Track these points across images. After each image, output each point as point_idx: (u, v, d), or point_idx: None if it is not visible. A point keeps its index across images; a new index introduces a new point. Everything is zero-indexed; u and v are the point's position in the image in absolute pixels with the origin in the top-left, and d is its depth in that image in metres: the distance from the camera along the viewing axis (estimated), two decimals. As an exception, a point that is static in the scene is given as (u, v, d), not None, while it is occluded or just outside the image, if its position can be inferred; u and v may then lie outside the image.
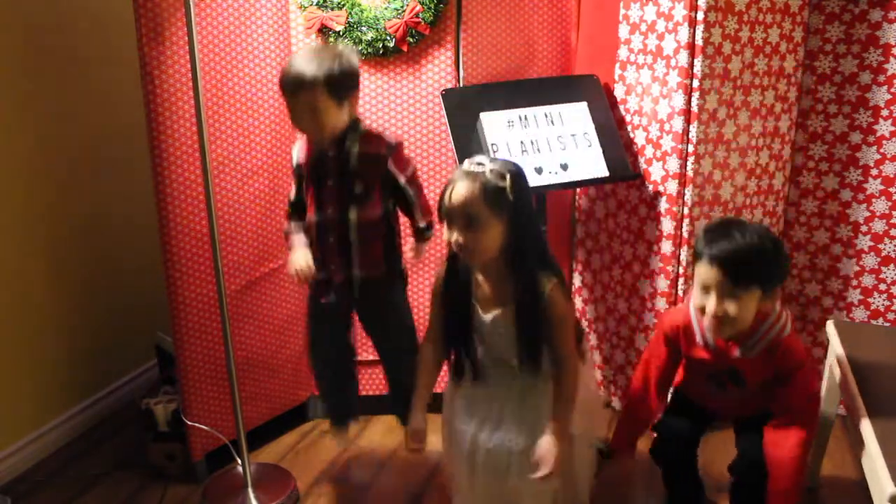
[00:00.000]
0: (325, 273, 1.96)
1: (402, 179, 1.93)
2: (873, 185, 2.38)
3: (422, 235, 2.04)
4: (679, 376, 1.95)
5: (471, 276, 1.71)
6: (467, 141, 2.19)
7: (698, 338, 1.78)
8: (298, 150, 1.98)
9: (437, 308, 1.79)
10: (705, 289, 1.65)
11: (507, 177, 1.58)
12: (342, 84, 1.81)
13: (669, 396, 1.99)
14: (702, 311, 1.68)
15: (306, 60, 1.79)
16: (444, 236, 1.65)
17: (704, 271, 1.63)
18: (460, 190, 1.58)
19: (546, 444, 1.66)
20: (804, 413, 1.74)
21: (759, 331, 1.71)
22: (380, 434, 2.40)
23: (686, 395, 1.95)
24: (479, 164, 1.60)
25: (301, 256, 1.94)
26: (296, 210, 2.02)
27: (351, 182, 1.88)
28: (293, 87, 1.79)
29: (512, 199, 1.58)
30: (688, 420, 1.91)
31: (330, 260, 1.95)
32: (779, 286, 1.69)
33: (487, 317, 1.69)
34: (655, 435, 1.97)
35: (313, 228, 1.96)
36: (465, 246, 1.60)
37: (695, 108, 2.14)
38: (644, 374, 1.92)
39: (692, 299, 1.73)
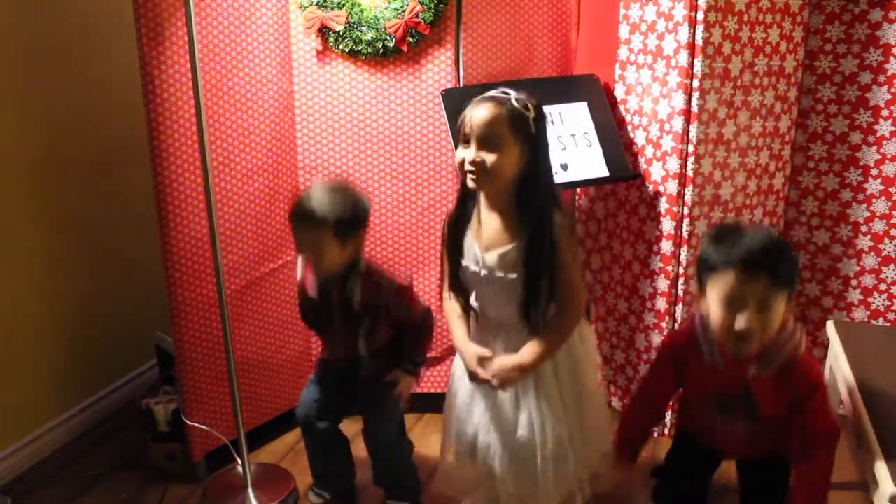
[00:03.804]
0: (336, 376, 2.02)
1: (405, 317, 1.94)
2: (873, 185, 2.38)
3: (407, 369, 1.99)
4: (680, 410, 1.87)
5: (476, 213, 1.70)
6: (467, 141, 2.19)
7: (707, 358, 1.65)
8: (304, 278, 1.97)
9: (449, 250, 1.76)
10: (733, 303, 1.50)
11: (531, 108, 1.59)
12: (349, 228, 1.82)
13: (672, 440, 1.92)
14: (727, 331, 1.53)
15: (320, 197, 1.80)
16: (458, 157, 1.62)
17: (732, 283, 1.49)
18: (485, 110, 1.57)
19: (508, 359, 1.66)
20: (826, 441, 1.60)
21: (776, 343, 1.57)
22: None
23: (690, 433, 1.83)
24: (504, 92, 1.60)
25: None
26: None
27: (357, 322, 1.90)
28: (300, 221, 1.82)
29: (534, 130, 1.59)
30: (691, 469, 1.80)
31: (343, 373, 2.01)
32: (796, 289, 1.58)
33: (491, 255, 1.65)
34: (655, 482, 1.90)
35: (324, 364, 2.04)
36: (482, 164, 1.57)
37: (695, 108, 2.14)
38: (643, 398, 1.83)
39: (713, 318, 1.57)
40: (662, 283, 2.31)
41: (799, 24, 2.31)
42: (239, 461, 2.14)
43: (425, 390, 2.54)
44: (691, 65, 2.11)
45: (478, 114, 1.57)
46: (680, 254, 2.25)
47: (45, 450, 2.42)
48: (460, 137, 1.61)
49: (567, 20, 2.51)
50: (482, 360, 1.70)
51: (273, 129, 2.26)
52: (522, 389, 1.73)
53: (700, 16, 2.07)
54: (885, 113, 2.32)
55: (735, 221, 1.62)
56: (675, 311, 2.31)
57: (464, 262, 1.72)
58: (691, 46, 2.10)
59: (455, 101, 2.23)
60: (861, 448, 1.71)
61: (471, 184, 1.62)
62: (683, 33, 2.10)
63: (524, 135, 1.58)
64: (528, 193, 1.62)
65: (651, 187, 2.30)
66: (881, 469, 1.57)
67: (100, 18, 2.52)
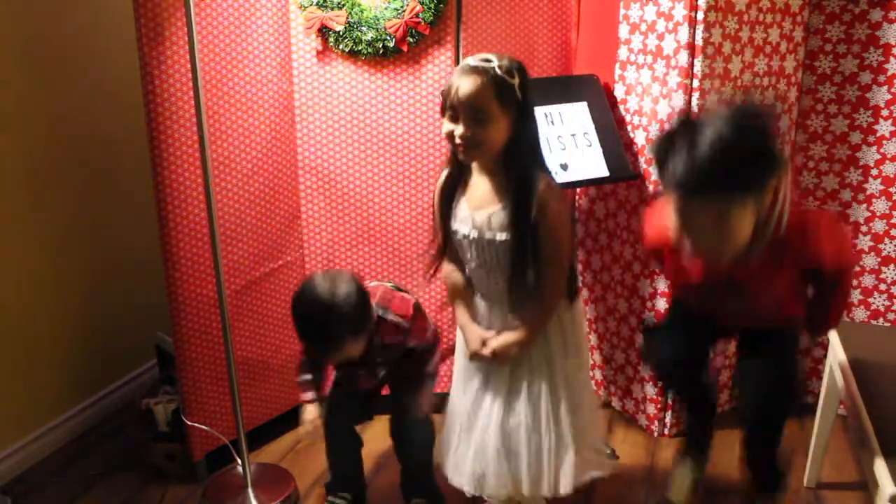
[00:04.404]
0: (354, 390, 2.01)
1: (413, 345, 1.92)
2: (873, 185, 2.38)
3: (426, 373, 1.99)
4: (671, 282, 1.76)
5: (467, 176, 1.70)
6: (467, 141, 2.19)
7: (685, 256, 1.51)
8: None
9: (441, 217, 1.76)
10: (685, 221, 1.37)
11: (515, 74, 1.58)
12: (365, 322, 1.78)
13: (666, 309, 1.81)
14: (687, 243, 1.42)
15: (323, 322, 1.72)
16: (445, 130, 1.62)
17: (678, 205, 1.35)
18: (469, 84, 1.55)
19: (505, 336, 1.71)
20: (844, 275, 1.53)
21: (756, 233, 1.41)
22: (380, 434, 2.39)
23: (684, 304, 1.73)
24: (487, 60, 1.58)
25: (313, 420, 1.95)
26: (313, 386, 1.98)
27: (378, 366, 1.92)
28: (321, 351, 1.79)
29: (520, 96, 1.58)
30: (689, 339, 1.70)
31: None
32: (774, 179, 1.34)
33: (481, 215, 1.66)
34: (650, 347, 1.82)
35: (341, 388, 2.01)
36: (471, 139, 1.58)
37: (695, 108, 2.14)
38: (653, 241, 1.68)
39: (673, 229, 1.42)
40: (662, 284, 2.31)
41: (799, 24, 2.31)
42: (239, 461, 2.14)
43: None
44: (691, 65, 2.11)
45: (463, 88, 1.56)
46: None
47: (45, 450, 2.42)
48: (447, 109, 1.60)
49: (567, 20, 2.51)
50: (484, 340, 1.74)
51: (273, 129, 2.26)
52: (516, 374, 1.77)
53: (700, 16, 2.07)
54: (885, 113, 2.32)
55: (686, 124, 1.33)
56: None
57: (455, 226, 1.72)
58: (691, 46, 2.10)
59: (455, 101, 2.23)
60: (861, 448, 1.71)
61: (461, 156, 1.64)
62: (683, 33, 2.10)
63: (510, 103, 1.58)
64: (515, 157, 1.63)
65: (651, 187, 2.30)
66: (881, 469, 1.56)
67: (100, 18, 2.52)
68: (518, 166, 1.63)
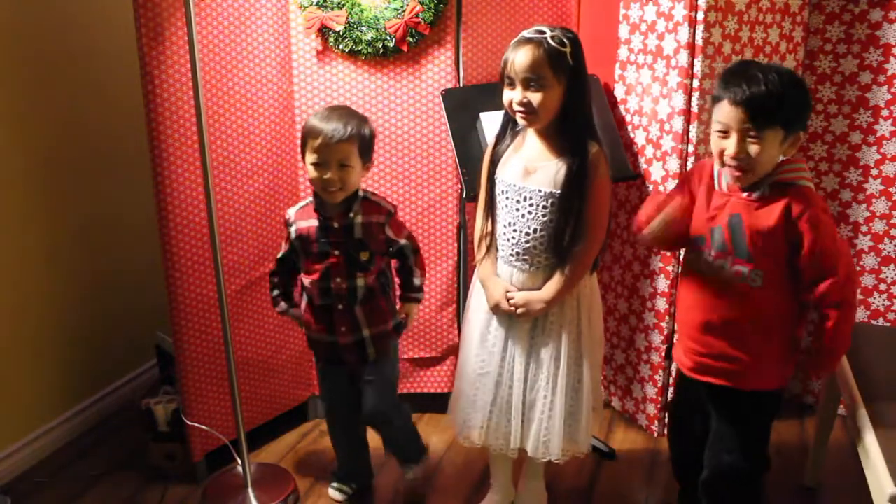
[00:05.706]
0: (332, 337, 1.97)
1: (401, 241, 1.97)
2: (873, 185, 2.38)
3: (416, 297, 2.06)
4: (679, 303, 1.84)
5: (521, 138, 1.82)
6: (467, 141, 2.19)
7: (716, 184, 1.71)
8: (298, 218, 1.95)
9: (489, 170, 1.87)
10: (724, 132, 1.58)
11: (568, 43, 1.69)
12: (369, 148, 1.89)
13: (673, 383, 1.90)
14: (720, 155, 1.61)
15: (339, 117, 1.83)
16: (505, 98, 1.75)
17: (724, 113, 1.57)
18: (525, 54, 1.68)
19: (533, 293, 1.79)
20: (836, 289, 1.58)
21: (774, 172, 1.61)
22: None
23: (680, 368, 1.81)
24: (540, 31, 1.70)
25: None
26: (283, 268, 2.02)
27: (357, 252, 1.90)
28: (329, 137, 1.80)
29: (571, 63, 1.70)
30: (698, 422, 1.81)
31: (339, 324, 1.95)
32: (801, 130, 1.59)
33: (532, 165, 1.77)
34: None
35: (316, 295, 1.94)
36: (529, 106, 1.70)
37: (695, 108, 2.14)
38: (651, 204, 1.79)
39: (712, 144, 1.64)
40: (662, 283, 2.31)
41: (799, 24, 2.31)
42: (239, 461, 2.14)
43: (425, 390, 2.54)
44: (691, 65, 2.11)
45: (519, 58, 1.68)
46: (680, 254, 2.25)
47: (45, 450, 2.42)
48: (504, 80, 1.73)
49: (567, 20, 2.51)
50: (507, 293, 1.82)
51: (273, 129, 2.26)
52: (536, 330, 1.84)
53: (700, 16, 2.07)
54: (885, 113, 2.32)
55: (754, 61, 1.64)
56: (675, 312, 2.31)
57: (501, 176, 1.82)
58: (691, 46, 2.10)
59: (455, 101, 2.23)
60: (861, 448, 1.71)
61: (521, 122, 1.76)
62: (683, 33, 2.10)
63: (563, 70, 1.69)
64: (569, 121, 1.75)
65: (651, 187, 2.30)
66: (881, 469, 1.57)
67: (100, 18, 2.52)
68: (572, 131, 1.75)
